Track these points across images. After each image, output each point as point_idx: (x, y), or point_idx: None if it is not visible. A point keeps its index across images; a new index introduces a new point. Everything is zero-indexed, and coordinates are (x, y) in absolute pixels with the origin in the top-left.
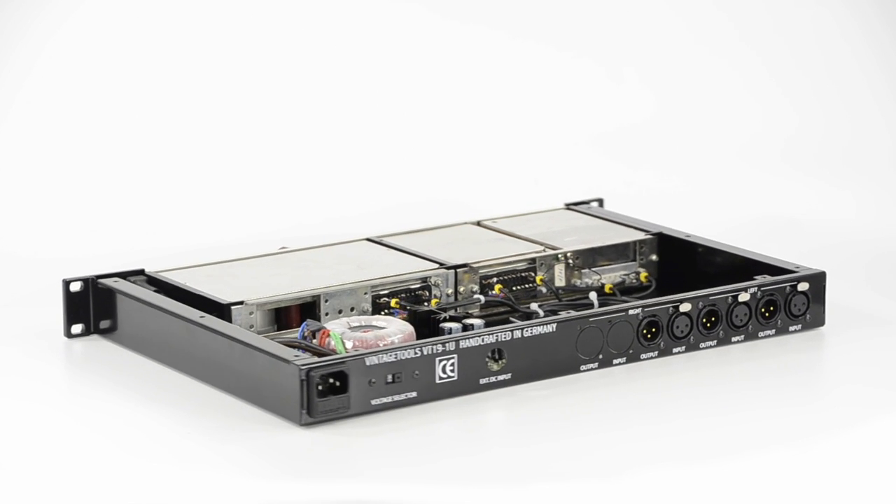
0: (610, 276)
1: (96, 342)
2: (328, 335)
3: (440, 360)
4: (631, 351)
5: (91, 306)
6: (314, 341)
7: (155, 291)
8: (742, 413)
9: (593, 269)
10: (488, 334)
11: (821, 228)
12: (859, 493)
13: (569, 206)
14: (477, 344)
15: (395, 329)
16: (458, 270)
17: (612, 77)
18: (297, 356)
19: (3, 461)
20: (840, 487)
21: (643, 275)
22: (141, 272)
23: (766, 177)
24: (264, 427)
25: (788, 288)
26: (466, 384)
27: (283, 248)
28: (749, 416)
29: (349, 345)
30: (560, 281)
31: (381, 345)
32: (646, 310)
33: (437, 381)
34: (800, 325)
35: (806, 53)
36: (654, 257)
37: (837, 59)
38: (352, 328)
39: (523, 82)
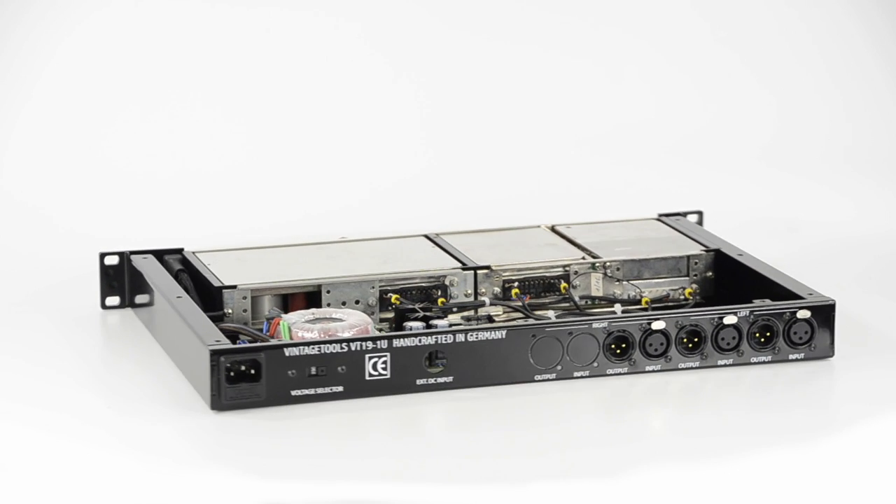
0: (655, 289)
1: (126, 315)
2: (279, 324)
3: (370, 358)
4: (595, 364)
5: (126, 280)
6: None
7: (180, 271)
8: (733, 419)
9: (632, 281)
10: (426, 335)
11: (822, 230)
12: (861, 494)
13: (660, 217)
14: (413, 344)
15: (351, 322)
16: (477, 272)
17: (612, 77)
18: (217, 341)
19: None
20: (842, 488)
21: (688, 290)
22: (179, 251)
23: (766, 178)
24: (183, 410)
25: (788, 314)
26: (400, 384)
27: (343, 237)
28: (740, 422)
29: (304, 335)
30: (598, 291)
31: (323, 336)
32: (613, 324)
33: (367, 377)
34: (802, 354)
35: (806, 54)
36: (709, 274)
37: (837, 60)
38: (312, 320)
39: (523, 83)
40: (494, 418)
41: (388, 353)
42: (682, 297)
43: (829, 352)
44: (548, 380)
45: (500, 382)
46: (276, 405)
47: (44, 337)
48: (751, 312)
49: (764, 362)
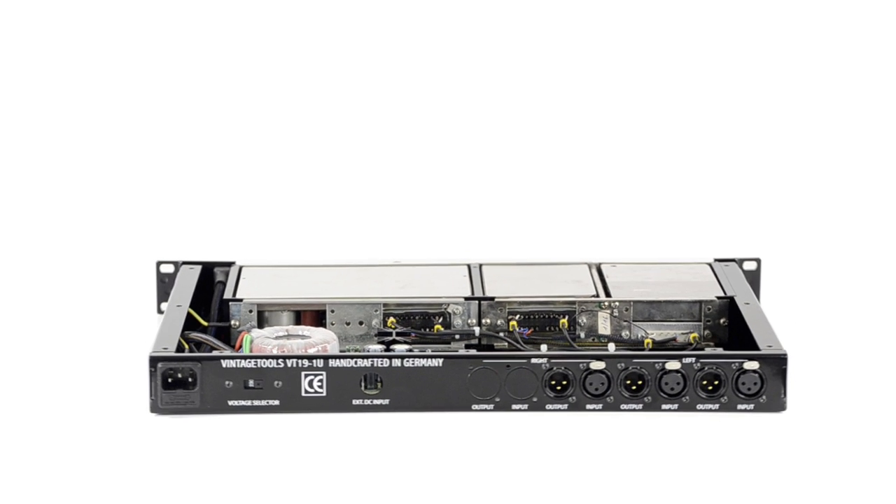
0: (663, 332)
1: None
2: (244, 337)
3: (306, 375)
4: (535, 399)
5: None
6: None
7: (219, 282)
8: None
9: (638, 323)
10: (362, 358)
11: (821, 236)
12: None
13: (713, 262)
14: (349, 366)
15: (311, 341)
16: (481, 302)
17: (612, 76)
18: (164, 348)
19: None
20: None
21: (693, 335)
22: (230, 264)
23: (764, 181)
24: (129, 414)
25: (736, 364)
26: (336, 403)
27: (397, 261)
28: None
29: (264, 349)
30: (605, 330)
31: (274, 351)
32: (552, 361)
33: (303, 394)
34: (752, 406)
35: (806, 53)
36: (723, 321)
37: (838, 60)
38: (282, 336)
39: (523, 85)
40: (424, 442)
41: (323, 372)
42: (687, 341)
43: (780, 405)
44: (486, 410)
45: (437, 409)
46: (212, 413)
47: (99, 334)
48: (697, 359)
49: (711, 411)
